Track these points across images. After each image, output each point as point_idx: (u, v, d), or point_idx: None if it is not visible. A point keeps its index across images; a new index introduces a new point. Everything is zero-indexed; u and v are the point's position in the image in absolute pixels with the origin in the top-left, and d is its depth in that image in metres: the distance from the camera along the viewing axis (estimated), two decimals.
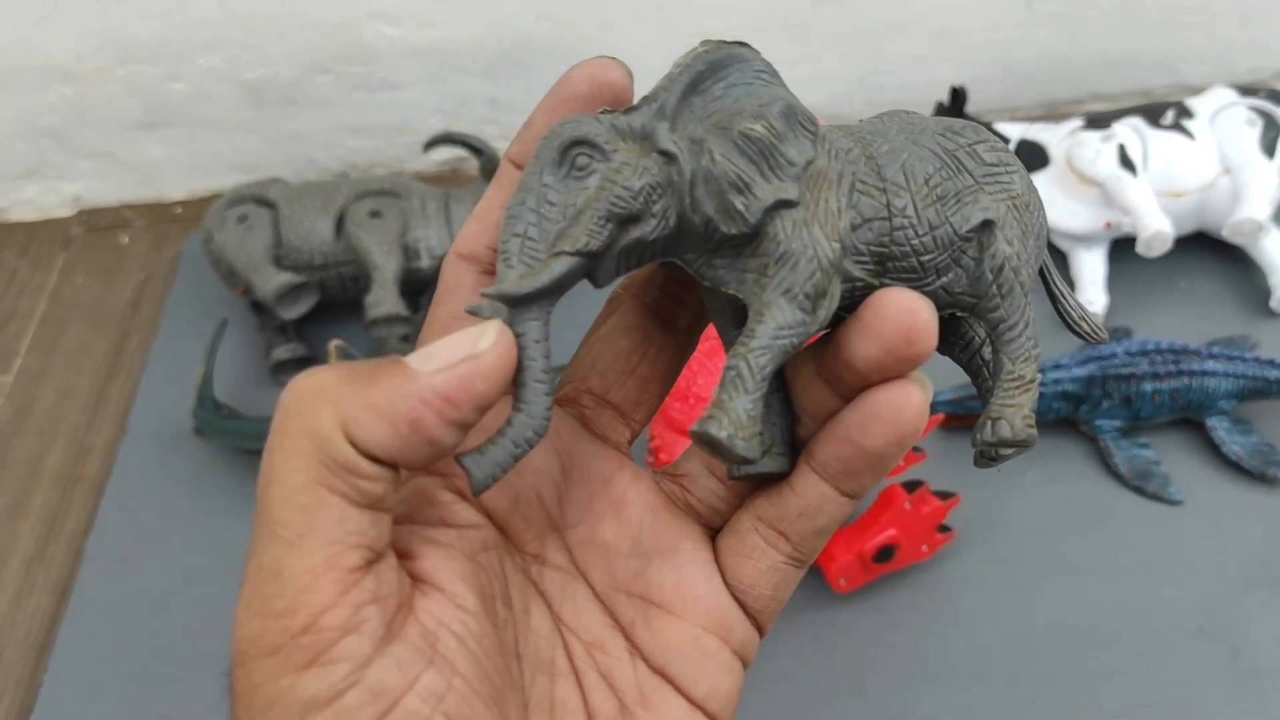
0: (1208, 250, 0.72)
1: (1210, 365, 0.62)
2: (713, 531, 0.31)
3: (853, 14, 0.80)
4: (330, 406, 0.24)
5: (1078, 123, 0.71)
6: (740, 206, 0.25)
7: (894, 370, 0.26)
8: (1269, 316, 0.68)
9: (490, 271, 0.28)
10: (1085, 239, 0.70)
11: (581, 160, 0.25)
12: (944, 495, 0.58)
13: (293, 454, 0.24)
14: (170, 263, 0.84)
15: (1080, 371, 0.62)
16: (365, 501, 0.24)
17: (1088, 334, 0.31)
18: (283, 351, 0.71)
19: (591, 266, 0.26)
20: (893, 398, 0.26)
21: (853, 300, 0.27)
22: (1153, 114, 0.70)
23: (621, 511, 0.30)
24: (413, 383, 0.24)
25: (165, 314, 0.79)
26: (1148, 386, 0.62)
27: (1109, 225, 0.68)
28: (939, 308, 0.28)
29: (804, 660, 0.57)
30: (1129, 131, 0.68)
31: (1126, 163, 0.67)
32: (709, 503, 0.30)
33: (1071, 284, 0.70)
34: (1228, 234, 0.68)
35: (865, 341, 0.26)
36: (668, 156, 0.25)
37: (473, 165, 0.85)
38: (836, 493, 0.28)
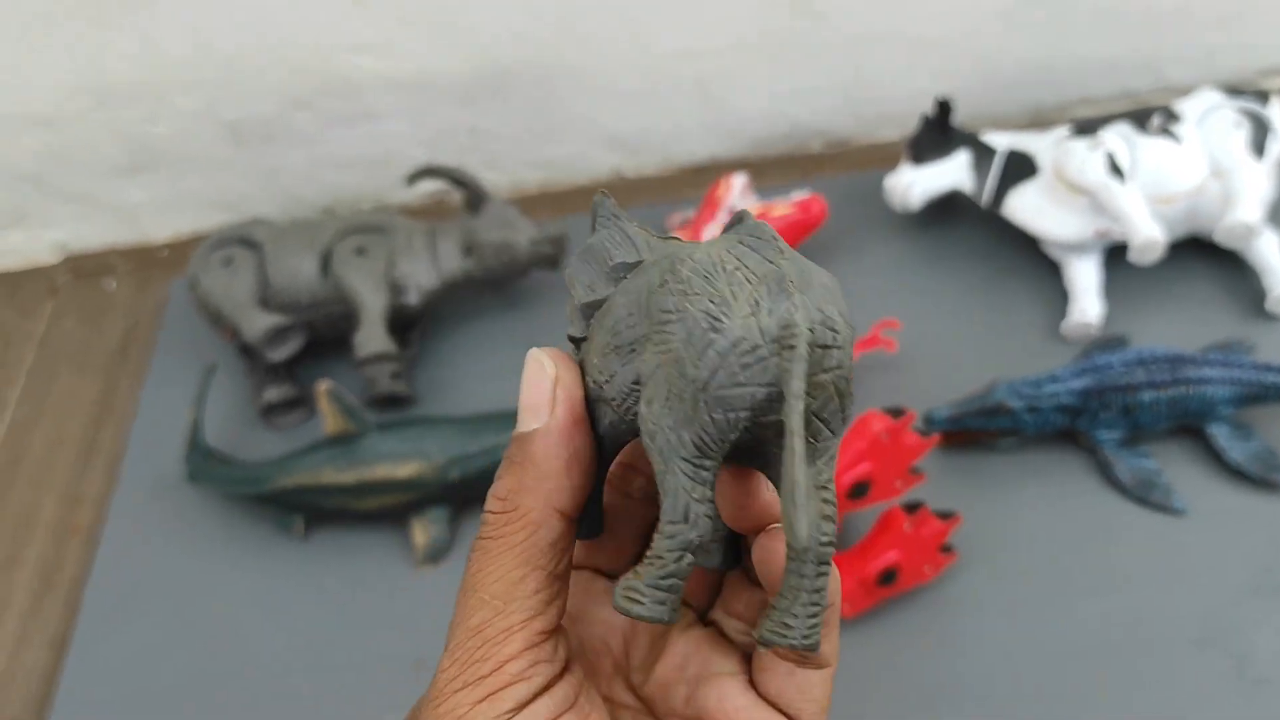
0: (1201, 255, 0.72)
1: (1207, 372, 0.61)
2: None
3: (830, 27, 0.79)
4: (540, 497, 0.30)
5: (1065, 131, 0.71)
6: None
7: None
8: (1265, 319, 0.68)
9: None
10: (1077, 247, 0.69)
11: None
12: (944, 515, 0.58)
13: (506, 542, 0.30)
14: (157, 307, 0.83)
15: (1077, 384, 0.62)
16: (558, 573, 0.30)
17: (792, 545, 0.25)
18: (273, 393, 0.71)
19: None
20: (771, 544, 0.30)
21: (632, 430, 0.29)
22: (1140, 119, 0.70)
23: (671, 648, 0.34)
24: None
25: (154, 359, 0.78)
26: (1146, 396, 0.61)
27: (1100, 233, 0.68)
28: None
29: None
30: (1116, 138, 0.68)
31: (1115, 170, 0.66)
32: (738, 628, 0.34)
33: (1065, 293, 0.69)
34: (1220, 238, 0.68)
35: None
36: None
37: (456, 198, 0.84)
38: None
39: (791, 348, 0.24)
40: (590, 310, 0.29)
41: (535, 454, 0.29)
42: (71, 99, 0.80)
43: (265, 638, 0.63)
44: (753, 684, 0.32)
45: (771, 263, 0.25)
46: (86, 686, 0.62)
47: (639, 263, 0.28)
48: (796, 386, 0.24)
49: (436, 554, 0.63)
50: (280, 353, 0.68)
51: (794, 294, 0.25)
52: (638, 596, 0.26)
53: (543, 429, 0.29)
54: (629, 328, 0.27)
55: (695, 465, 0.25)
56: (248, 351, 0.74)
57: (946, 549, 0.58)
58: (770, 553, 0.29)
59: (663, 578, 0.26)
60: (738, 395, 0.25)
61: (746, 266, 0.25)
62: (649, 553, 0.27)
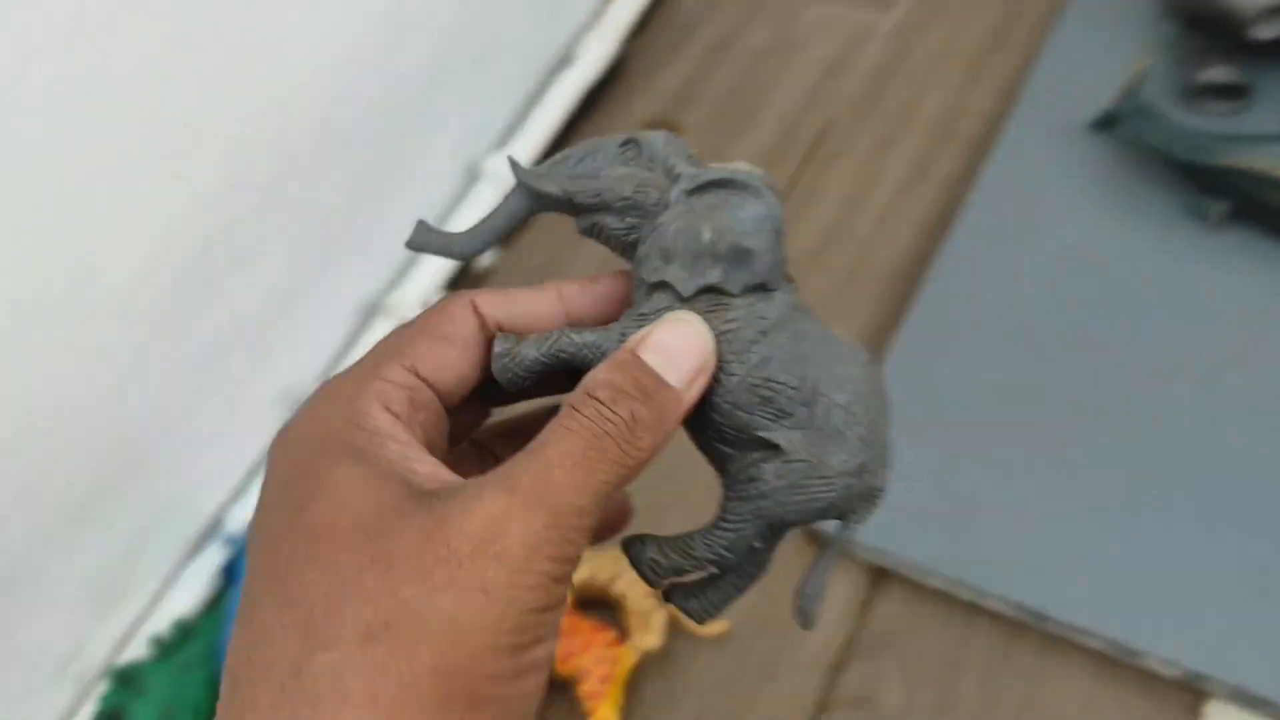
0: None
1: None
2: None
3: None
4: None
5: None
6: (655, 265, 0.29)
7: None
8: None
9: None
10: None
11: (629, 153, 0.30)
12: None
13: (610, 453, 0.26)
14: None
15: None
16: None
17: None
18: (1215, 73, 0.65)
19: (546, 207, 0.30)
20: None
21: None
22: None
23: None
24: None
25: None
26: None
27: None
28: None
29: None
30: None
31: None
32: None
33: None
34: None
35: None
36: (663, 202, 0.29)
37: None
38: None
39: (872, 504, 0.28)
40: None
41: (667, 412, 0.27)
42: None
43: (1141, 317, 0.60)
44: None
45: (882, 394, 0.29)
46: (948, 291, 0.62)
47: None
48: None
49: None
50: (1270, 30, 0.61)
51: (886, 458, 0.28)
52: (658, 559, 0.29)
53: (679, 397, 0.27)
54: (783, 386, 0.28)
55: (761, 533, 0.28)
56: (1198, 21, 0.67)
57: None
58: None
59: (680, 565, 0.28)
60: (822, 509, 0.28)
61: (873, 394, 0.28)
62: (685, 538, 0.28)
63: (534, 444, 0.25)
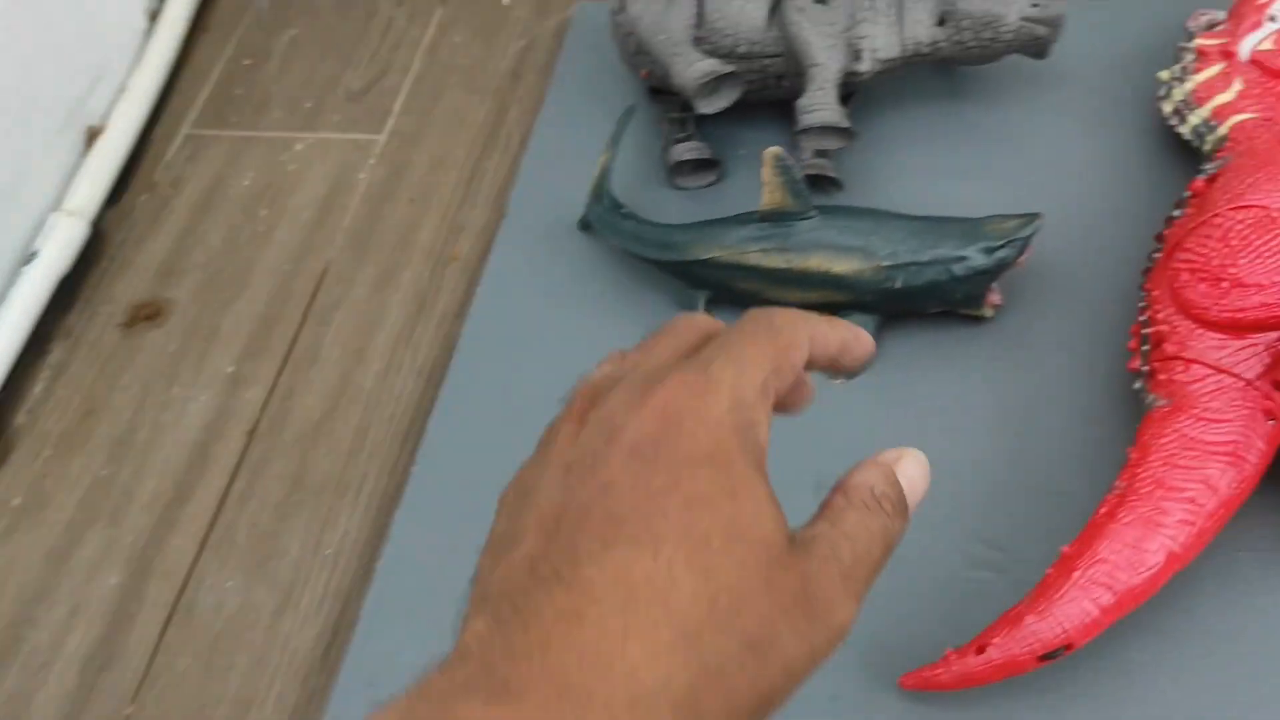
0: None
1: None
2: None
3: None
4: None
5: None
6: None
7: None
8: None
9: None
10: None
11: None
12: None
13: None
14: (556, 30, 0.76)
15: None
16: None
17: None
18: (684, 150, 0.63)
19: None
20: None
21: None
22: None
23: None
24: None
25: (551, 89, 0.71)
26: None
27: None
28: None
29: None
30: None
31: None
32: None
33: None
34: None
35: None
36: None
37: None
38: None
39: None
40: None
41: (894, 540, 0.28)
42: None
43: None
44: None
45: None
46: (455, 428, 0.58)
47: None
48: None
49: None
50: (714, 104, 0.59)
51: None
52: None
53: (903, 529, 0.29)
54: None
55: None
56: (658, 96, 0.66)
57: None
58: None
59: None
60: None
61: None
62: None
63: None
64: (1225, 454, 0.43)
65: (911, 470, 0.29)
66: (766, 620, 0.24)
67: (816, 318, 0.30)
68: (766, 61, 0.61)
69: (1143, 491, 0.43)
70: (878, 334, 0.55)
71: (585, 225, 0.62)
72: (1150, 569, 0.42)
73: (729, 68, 0.58)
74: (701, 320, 0.31)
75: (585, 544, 0.24)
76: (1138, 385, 0.48)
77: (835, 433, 0.44)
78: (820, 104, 0.57)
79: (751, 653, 0.24)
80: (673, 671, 0.23)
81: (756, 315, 0.29)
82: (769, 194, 0.54)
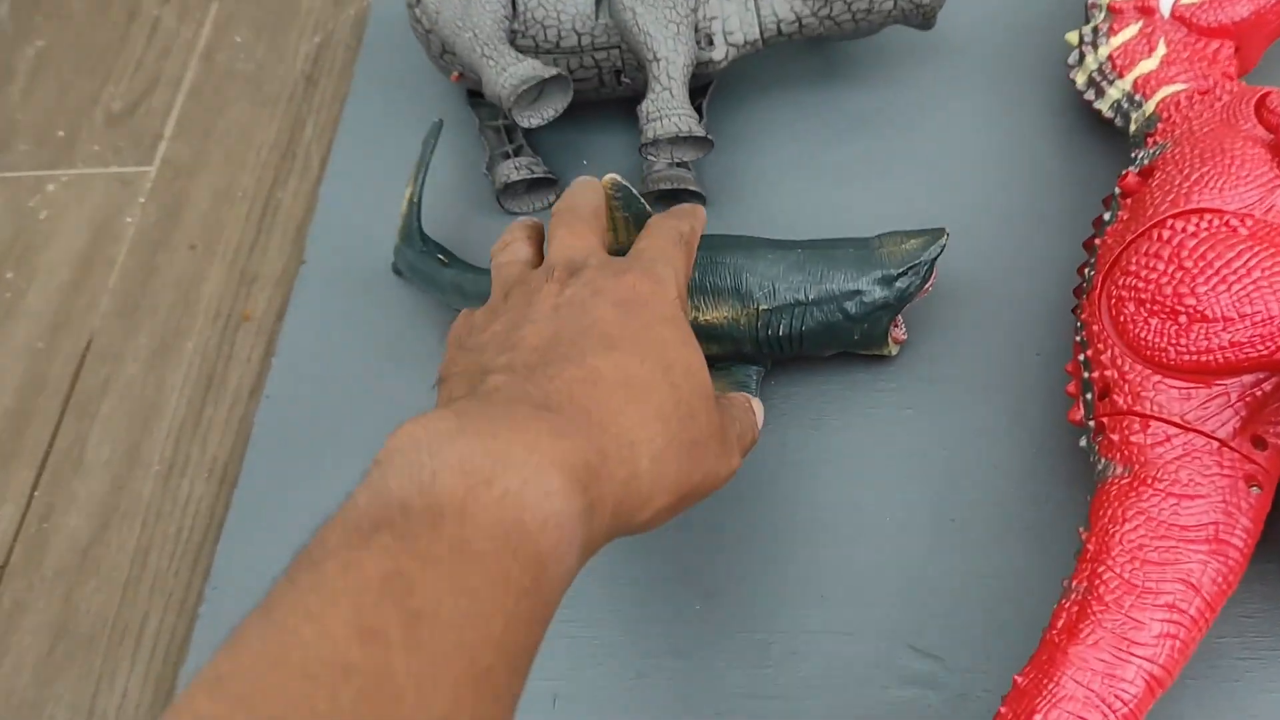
0: None
1: None
2: None
3: None
4: None
5: None
6: None
7: None
8: None
9: None
10: None
11: None
12: None
13: None
14: (354, 21, 0.63)
15: None
16: None
17: None
18: (512, 169, 0.52)
19: None
20: None
21: None
22: None
23: None
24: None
25: (350, 97, 0.59)
26: None
27: None
28: None
29: None
30: None
31: None
32: None
33: None
34: None
35: None
36: None
37: None
38: None
39: None
40: None
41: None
42: None
43: None
44: None
45: None
46: (251, 536, 0.47)
47: None
48: None
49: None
50: (537, 115, 0.48)
51: None
52: None
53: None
54: None
55: None
56: (477, 100, 0.54)
57: None
58: None
59: None
60: None
61: None
62: None
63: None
64: (1205, 540, 0.34)
65: (757, 408, 0.39)
66: (705, 434, 0.32)
67: (695, 215, 0.39)
68: (599, 55, 0.50)
69: (1108, 599, 0.34)
70: (759, 389, 0.45)
71: (397, 271, 0.51)
72: (1128, 704, 0.33)
73: (553, 70, 0.47)
74: (532, 222, 0.41)
75: (589, 346, 0.31)
76: (1084, 443, 0.39)
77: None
78: (666, 109, 0.46)
79: (696, 448, 0.32)
80: (653, 436, 0.30)
81: (667, 225, 0.37)
82: (611, 234, 0.43)
